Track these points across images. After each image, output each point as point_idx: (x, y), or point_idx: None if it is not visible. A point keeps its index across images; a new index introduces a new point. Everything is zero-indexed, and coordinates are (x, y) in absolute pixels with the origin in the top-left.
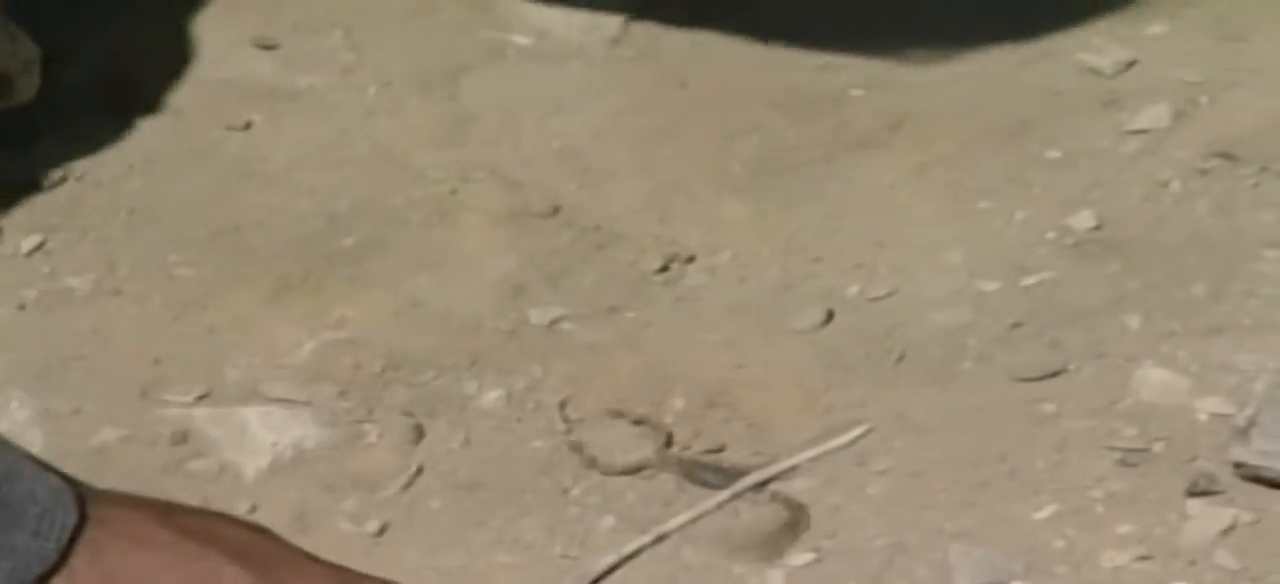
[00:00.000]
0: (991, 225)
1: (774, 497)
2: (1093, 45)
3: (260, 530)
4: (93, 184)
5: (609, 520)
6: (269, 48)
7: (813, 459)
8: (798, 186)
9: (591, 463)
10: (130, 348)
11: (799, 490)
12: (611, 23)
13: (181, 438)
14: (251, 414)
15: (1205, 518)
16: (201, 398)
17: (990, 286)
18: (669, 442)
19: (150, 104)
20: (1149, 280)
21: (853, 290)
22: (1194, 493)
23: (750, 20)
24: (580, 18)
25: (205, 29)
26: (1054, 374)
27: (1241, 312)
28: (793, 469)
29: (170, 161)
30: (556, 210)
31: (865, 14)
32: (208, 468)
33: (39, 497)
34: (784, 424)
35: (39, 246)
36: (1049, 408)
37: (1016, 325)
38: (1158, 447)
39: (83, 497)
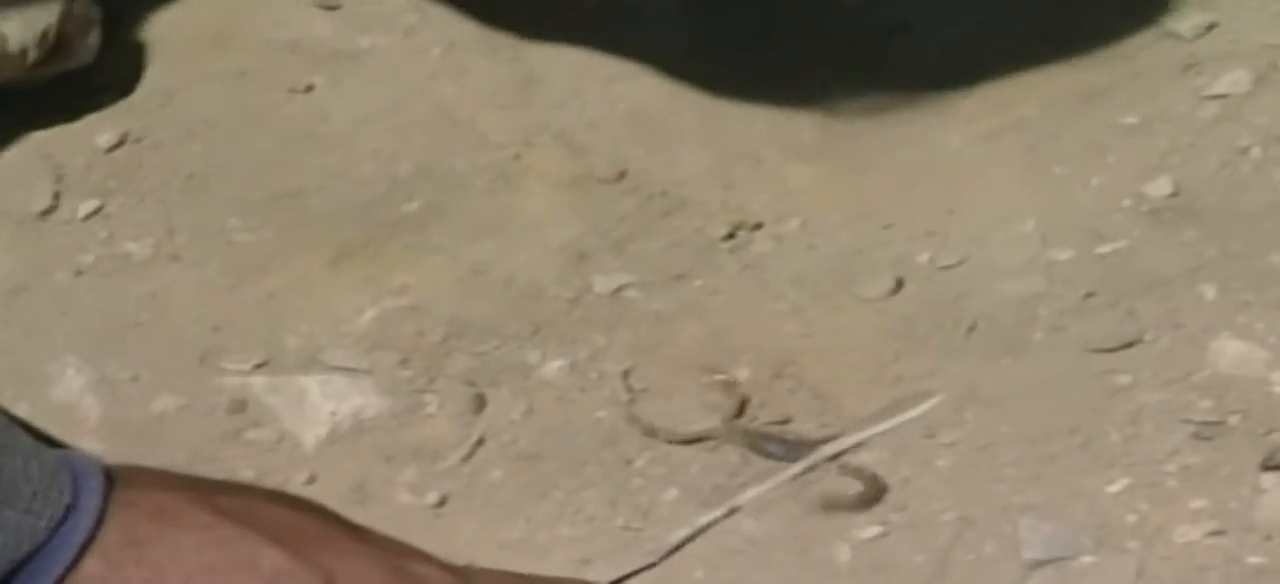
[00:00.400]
0: (1066, 192)
1: (844, 469)
2: (1171, 7)
3: (306, 508)
4: (151, 147)
5: (673, 492)
6: (331, 8)
7: (884, 432)
8: (867, 152)
9: (651, 432)
10: (188, 314)
11: (867, 463)
12: None
13: (240, 406)
14: (311, 382)
15: None
16: (260, 366)
17: (1064, 255)
18: (740, 410)
19: (210, 67)
20: (1226, 249)
21: (923, 258)
22: (1269, 467)
23: None
24: None
25: None
26: (1128, 345)
27: None
28: (862, 443)
29: (230, 125)
30: (622, 175)
31: None
32: (266, 437)
33: (32, 475)
34: (851, 395)
35: (97, 211)
36: (1123, 379)
37: (1090, 295)
38: (1233, 419)
39: (112, 474)
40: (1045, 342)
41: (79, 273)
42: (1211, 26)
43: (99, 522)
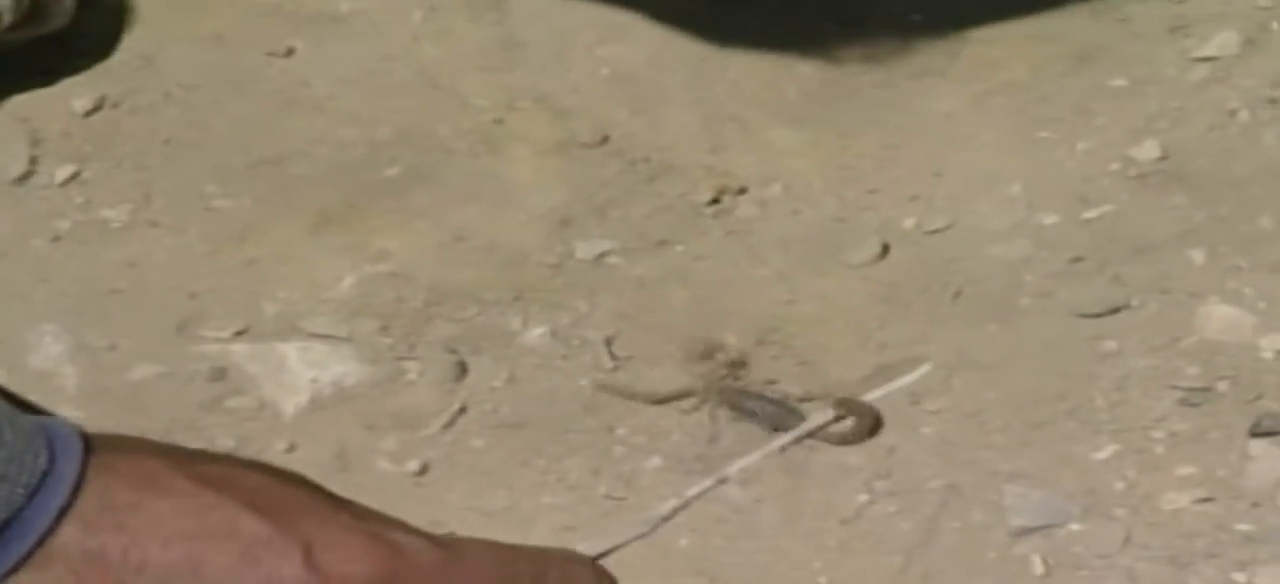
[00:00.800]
0: (1053, 156)
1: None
2: None
3: (286, 477)
4: (129, 112)
5: (656, 460)
6: None
7: (877, 400)
8: (853, 115)
9: (629, 395)
10: (167, 281)
11: (851, 428)
12: None
13: (219, 374)
14: (291, 350)
15: (1269, 459)
16: (240, 333)
17: (1051, 219)
18: (727, 372)
19: (189, 30)
20: (1215, 213)
21: (909, 223)
22: (1257, 433)
23: None
24: None
25: None
26: (1116, 310)
27: None
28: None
29: (209, 89)
30: (605, 140)
31: None
32: (246, 405)
33: (8, 441)
34: (837, 361)
35: (73, 177)
36: (1110, 345)
37: (1077, 259)
38: (1221, 385)
39: (89, 441)
40: (1032, 307)
41: (56, 239)
42: None
43: (77, 488)
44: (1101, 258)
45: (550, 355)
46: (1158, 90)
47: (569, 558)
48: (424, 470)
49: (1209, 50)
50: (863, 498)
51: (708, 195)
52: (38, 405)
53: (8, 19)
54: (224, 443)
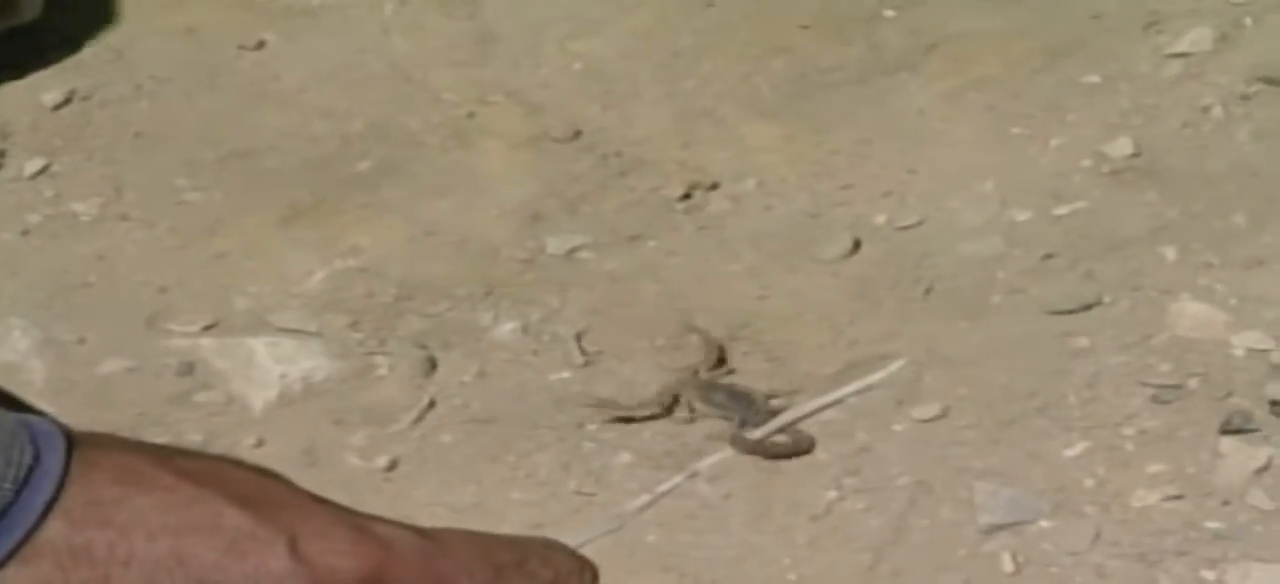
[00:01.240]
0: (1026, 152)
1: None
2: None
3: (264, 473)
4: (99, 105)
5: (625, 456)
6: None
7: (850, 396)
8: (827, 110)
9: (608, 406)
10: (136, 275)
11: (819, 425)
12: None
13: (188, 369)
14: (259, 345)
15: (1239, 456)
16: (209, 327)
17: (1023, 216)
18: (710, 364)
19: (160, 23)
20: (1187, 210)
21: (881, 219)
22: (1228, 431)
23: None
24: None
25: None
26: (1087, 307)
27: None
28: (819, 409)
29: (180, 82)
30: (577, 134)
31: None
32: (214, 400)
33: None
34: (807, 358)
35: (43, 170)
36: (1082, 342)
37: (1049, 256)
38: (1192, 383)
39: (73, 438)
40: (1004, 304)
41: (25, 232)
42: None
43: (62, 484)
44: (1073, 255)
45: (520, 351)
46: (1131, 87)
47: (549, 545)
48: (393, 466)
49: (1182, 46)
50: (832, 494)
51: (680, 190)
52: (21, 400)
53: None
54: (192, 437)
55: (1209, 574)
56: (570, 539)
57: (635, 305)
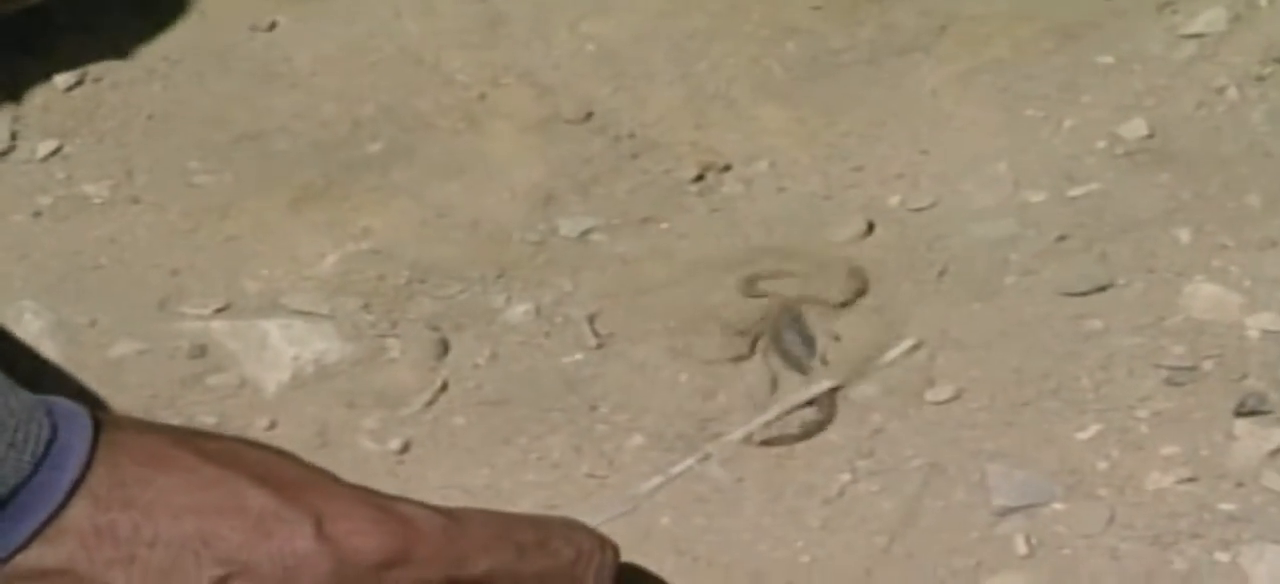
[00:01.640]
0: (1039, 134)
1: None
2: None
3: (281, 454)
4: (111, 87)
5: (637, 438)
6: None
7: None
8: (839, 92)
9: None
10: (148, 258)
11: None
12: None
13: (200, 351)
14: (272, 327)
15: (1253, 439)
16: (221, 310)
17: (1036, 198)
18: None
19: (172, 4)
20: (1201, 191)
21: (894, 201)
22: (1242, 413)
23: None
24: None
25: None
26: (1101, 289)
27: None
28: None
29: (191, 64)
30: (589, 116)
31: None
32: (227, 382)
33: (14, 408)
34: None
35: (55, 151)
36: (1095, 324)
37: (1063, 238)
38: (1206, 365)
39: (98, 419)
40: (1017, 285)
41: (37, 214)
42: None
43: (88, 464)
44: (1087, 236)
45: (533, 333)
46: (1144, 68)
47: (569, 524)
48: (406, 448)
49: (1196, 27)
50: (845, 477)
51: (692, 172)
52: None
53: None
54: (205, 420)
55: (1223, 556)
56: (584, 520)
57: (648, 287)
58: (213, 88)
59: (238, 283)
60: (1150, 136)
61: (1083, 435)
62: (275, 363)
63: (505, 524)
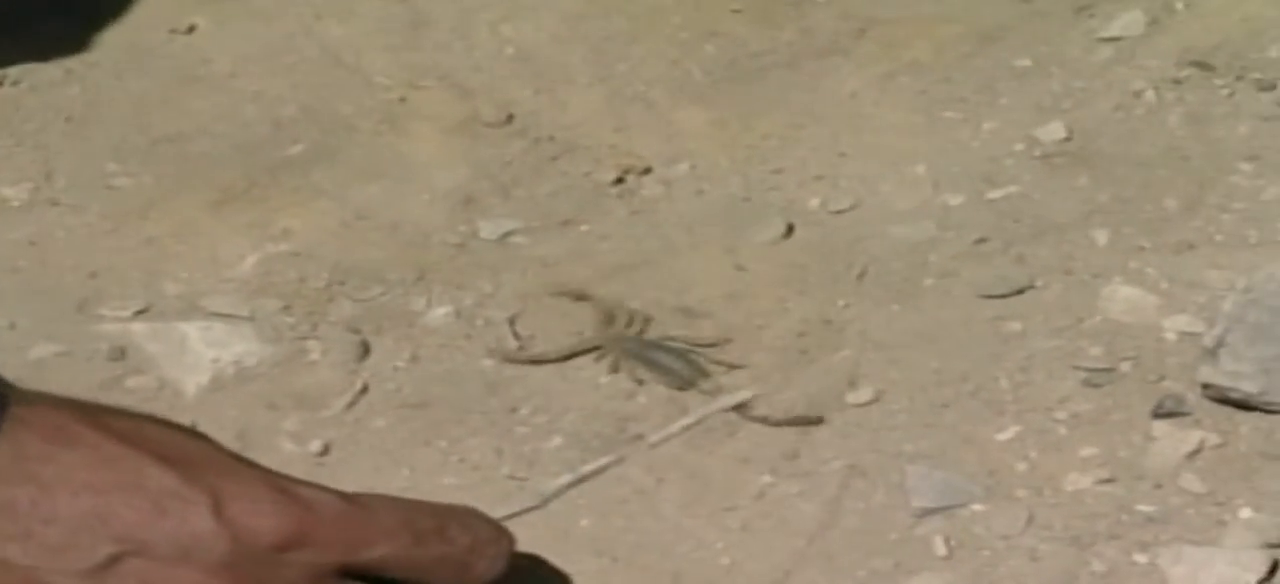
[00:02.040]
0: (958, 136)
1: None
2: None
3: (192, 434)
4: (29, 89)
5: (557, 440)
6: None
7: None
8: (759, 95)
9: (534, 359)
10: (67, 260)
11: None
12: None
13: (119, 354)
14: (191, 329)
15: (1171, 440)
16: (140, 312)
17: (955, 200)
18: (615, 322)
19: (91, 7)
20: (1119, 194)
21: (814, 203)
22: (1160, 414)
23: None
24: None
25: None
26: (1020, 291)
27: (1213, 227)
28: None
29: (111, 66)
30: (509, 119)
31: None
32: (146, 385)
33: None
34: (743, 342)
35: None
36: (1014, 326)
37: (982, 240)
38: (1124, 366)
39: (5, 395)
40: (936, 287)
41: None
42: None
43: None
44: (1006, 238)
45: (453, 335)
46: (1062, 71)
47: (469, 513)
48: (326, 450)
49: (1114, 31)
50: (766, 479)
51: (612, 175)
52: None
53: None
54: None
55: (1141, 557)
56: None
57: (569, 290)
58: (132, 90)
59: (157, 285)
60: (1068, 139)
61: (1002, 437)
62: (195, 365)
63: (406, 511)
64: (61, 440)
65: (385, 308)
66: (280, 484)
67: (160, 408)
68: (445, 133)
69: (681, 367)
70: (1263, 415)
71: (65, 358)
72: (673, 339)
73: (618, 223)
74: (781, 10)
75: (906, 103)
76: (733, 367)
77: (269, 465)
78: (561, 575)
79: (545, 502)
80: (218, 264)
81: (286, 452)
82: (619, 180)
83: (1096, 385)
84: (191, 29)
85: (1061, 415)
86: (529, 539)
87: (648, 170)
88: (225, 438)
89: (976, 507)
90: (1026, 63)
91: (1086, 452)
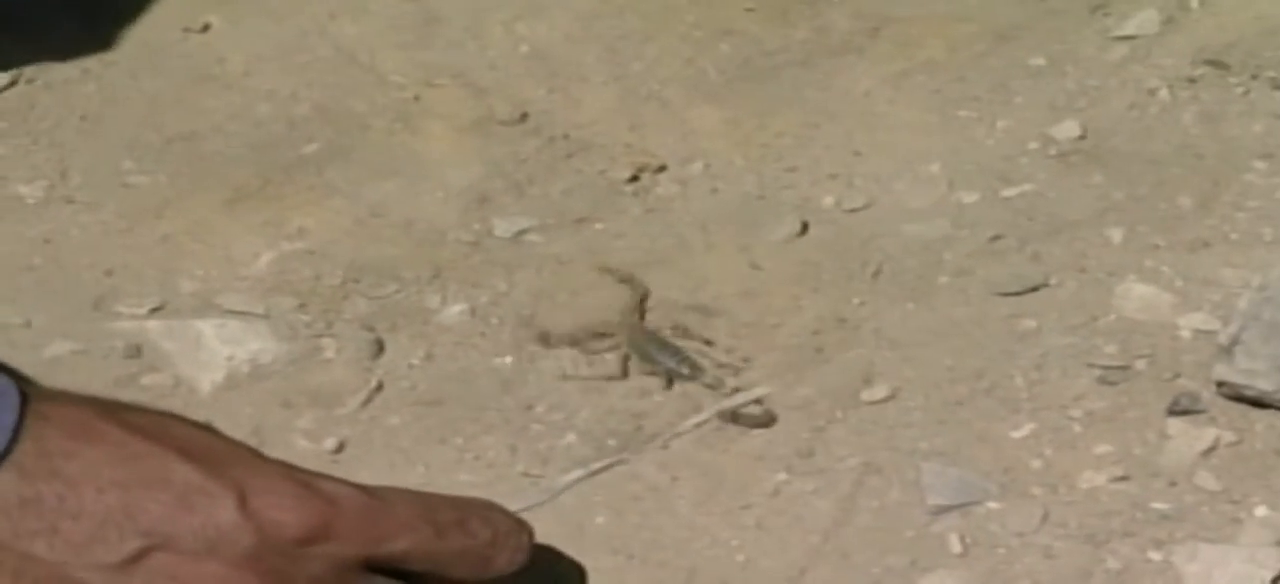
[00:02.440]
0: (972, 135)
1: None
2: None
3: (211, 430)
4: (45, 87)
5: (570, 437)
6: None
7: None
8: (774, 93)
9: (544, 339)
10: (83, 258)
11: (769, 407)
12: None
13: (135, 351)
14: (207, 327)
15: (1186, 438)
16: (155, 310)
17: (970, 198)
18: (640, 311)
19: (106, 5)
20: (1133, 192)
21: (829, 201)
22: (1175, 412)
23: None
24: None
25: None
26: (1034, 289)
27: (1228, 225)
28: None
29: (126, 65)
30: (524, 117)
31: None
32: (162, 382)
33: None
34: (756, 339)
35: None
36: (1029, 324)
37: (996, 238)
38: (1139, 364)
39: (26, 392)
40: (950, 285)
41: None
42: None
43: (14, 436)
44: (1020, 236)
45: (468, 333)
46: (1077, 69)
47: (489, 506)
48: (340, 448)
49: (1128, 29)
50: (781, 476)
51: (627, 173)
52: None
53: None
54: None
55: (1156, 555)
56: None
57: (582, 288)
58: (147, 88)
59: (173, 283)
60: (1083, 138)
61: (1017, 434)
62: (210, 363)
63: (426, 504)
64: (85, 436)
65: (400, 306)
66: (303, 478)
67: (175, 405)
68: (459, 131)
69: (676, 364)
70: (1278, 413)
71: (81, 355)
72: (680, 338)
73: (632, 221)
74: (796, 9)
75: (921, 101)
76: (725, 365)
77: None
78: (578, 568)
79: (554, 496)
80: (233, 262)
81: (301, 449)
82: (633, 179)
83: (1111, 383)
84: (206, 28)
85: (1076, 413)
86: (543, 536)
87: (662, 168)
88: (240, 436)
89: (991, 504)
90: (1041, 61)
91: (1101, 449)
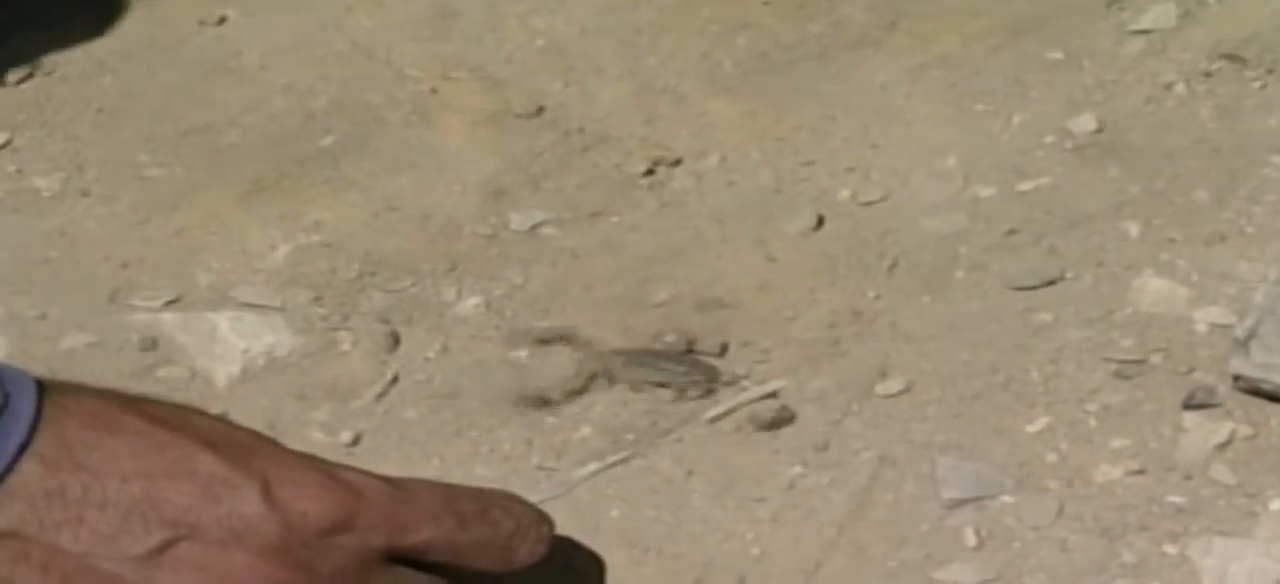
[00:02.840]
0: (989, 128)
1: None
2: None
3: (230, 422)
4: (61, 80)
5: (586, 430)
6: None
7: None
8: (790, 87)
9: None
10: (98, 251)
11: (784, 400)
12: None
13: (151, 344)
14: (222, 320)
15: (1202, 431)
16: (171, 303)
17: (986, 192)
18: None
19: None
20: (1150, 186)
21: (845, 195)
22: (1191, 406)
23: None
24: None
25: None
26: (1050, 282)
27: (1244, 219)
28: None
29: (142, 58)
30: (540, 110)
31: None
32: (177, 375)
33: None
34: (772, 333)
35: (4, 145)
36: (1044, 317)
37: (1012, 232)
38: (1155, 358)
39: (43, 383)
40: (967, 279)
41: None
42: None
43: (34, 427)
44: (1036, 230)
45: (484, 326)
46: (1093, 63)
47: (510, 497)
48: (356, 441)
49: (1145, 23)
50: (796, 470)
51: (643, 166)
52: None
53: None
54: None
55: (1171, 549)
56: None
57: (598, 281)
58: (163, 81)
59: (188, 275)
60: (1099, 131)
61: (1032, 428)
62: (226, 355)
63: (448, 495)
64: (106, 427)
65: (416, 299)
66: (326, 469)
67: (191, 398)
68: (475, 124)
69: (681, 376)
70: None
71: (96, 348)
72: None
73: (648, 214)
74: (812, 2)
75: (937, 95)
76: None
77: None
78: (596, 560)
79: (569, 490)
80: (248, 255)
81: (317, 442)
82: (649, 172)
83: (1127, 377)
84: (222, 21)
85: (1092, 407)
86: (559, 529)
87: (678, 162)
88: (256, 427)
89: (1007, 498)
90: (1057, 55)
91: (1117, 443)
